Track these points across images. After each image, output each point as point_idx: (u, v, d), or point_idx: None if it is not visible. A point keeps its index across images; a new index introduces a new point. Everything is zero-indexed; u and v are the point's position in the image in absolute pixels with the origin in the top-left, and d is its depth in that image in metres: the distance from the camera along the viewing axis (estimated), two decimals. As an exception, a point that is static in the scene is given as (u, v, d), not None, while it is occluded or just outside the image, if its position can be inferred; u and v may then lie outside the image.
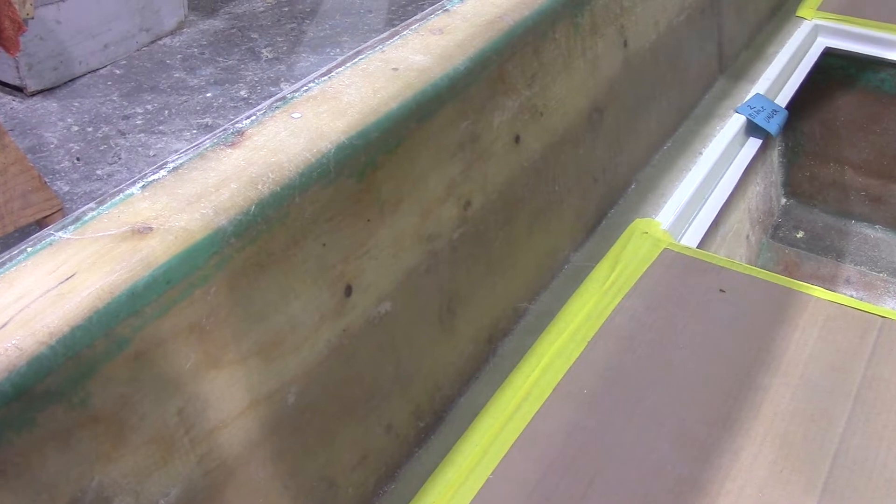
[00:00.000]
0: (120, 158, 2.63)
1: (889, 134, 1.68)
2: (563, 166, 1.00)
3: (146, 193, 0.60)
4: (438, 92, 0.78)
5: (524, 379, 0.87)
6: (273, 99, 0.72)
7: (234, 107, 2.90)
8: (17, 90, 2.93)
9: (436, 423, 0.83)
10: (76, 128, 2.78)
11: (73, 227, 0.57)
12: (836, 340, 0.92)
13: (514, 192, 0.91)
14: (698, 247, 1.12)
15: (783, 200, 1.83)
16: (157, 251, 0.55)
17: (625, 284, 0.98)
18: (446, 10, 0.88)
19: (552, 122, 0.97)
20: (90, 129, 2.78)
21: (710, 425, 0.82)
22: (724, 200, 1.20)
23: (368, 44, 0.81)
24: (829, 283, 1.70)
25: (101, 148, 2.69)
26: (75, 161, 2.63)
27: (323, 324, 0.68)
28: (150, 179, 0.61)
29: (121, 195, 0.60)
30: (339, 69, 0.77)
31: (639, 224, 1.08)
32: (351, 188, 0.70)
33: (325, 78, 0.75)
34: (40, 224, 1.81)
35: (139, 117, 2.84)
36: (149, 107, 2.89)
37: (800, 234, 1.79)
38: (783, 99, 1.45)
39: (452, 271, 0.83)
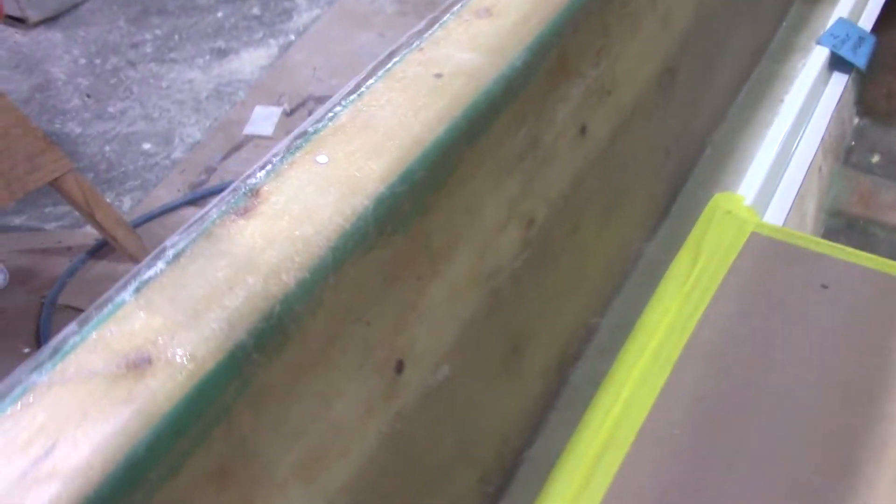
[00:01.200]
0: (132, 93, 2.48)
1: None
2: (633, 146, 0.85)
3: (140, 301, 0.47)
4: (492, 99, 0.63)
5: (602, 419, 0.75)
6: (293, 135, 0.57)
7: (248, 26, 2.72)
8: (19, 21, 2.76)
9: (505, 483, 0.71)
10: (84, 60, 2.63)
11: (51, 364, 0.44)
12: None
13: (581, 193, 0.77)
14: (787, 218, 0.98)
15: (856, 120, 1.66)
16: (159, 395, 0.43)
17: (710, 283, 0.85)
18: (492, -21, 0.72)
19: (621, 99, 0.81)
20: (98, 62, 2.62)
21: (828, 474, 0.70)
22: (810, 161, 1.05)
23: (403, 39, 0.66)
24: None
25: (112, 82, 2.54)
26: (86, 98, 2.48)
27: (372, 415, 0.56)
28: (144, 278, 0.48)
29: (110, 305, 0.47)
30: (371, 81, 0.62)
31: (719, 201, 0.94)
32: (396, 246, 0.56)
33: (354, 96, 0.60)
34: (52, 185, 1.69)
35: (148, 45, 2.67)
36: (158, 31, 2.72)
37: (875, 159, 1.62)
38: (867, 21, 1.26)
39: (516, 305, 0.70)
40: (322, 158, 0.55)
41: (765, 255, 0.88)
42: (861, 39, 1.19)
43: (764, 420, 0.74)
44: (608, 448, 0.73)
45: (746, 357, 0.79)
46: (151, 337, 0.45)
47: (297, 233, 0.51)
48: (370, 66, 0.63)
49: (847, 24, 1.20)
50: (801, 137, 1.07)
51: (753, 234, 0.90)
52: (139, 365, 0.44)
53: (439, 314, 0.61)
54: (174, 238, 0.50)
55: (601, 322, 0.83)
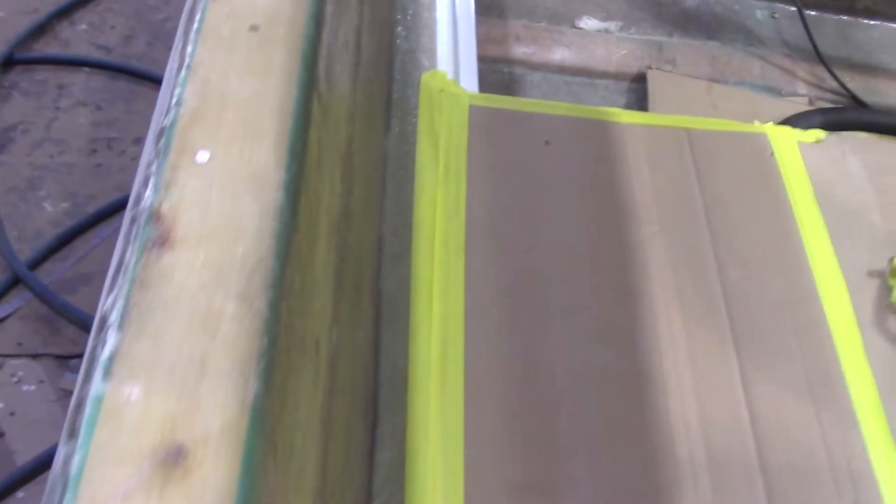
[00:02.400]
0: None
1: None
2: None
3: (122, 387, 0.39)
4: (312, 42, 0.59)
5: (428, 317, 0.78)
6: (152, 134, 0.49)
7: None
8: None
9: (376, 410, 0.73)
10: None
11: (70, 497, 0.36)
12: (664, 167, 0.94)
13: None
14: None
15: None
16: (216, 481, 0.38)
17: (459, 165, 0.90)
18: None
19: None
20: None
21: (618, 306, 0.82)
22: (472, 22, 1.12)
23: (191, -11, 0.57)
24: (502, 44, 1.72)
25: None
26: None
27: (316, 405, 0.54)
28: (105, 357, 0.40)
29: (89, 404, 0.38)
30: (189, 48, 0.54)
31: (429, 81, 0.98)
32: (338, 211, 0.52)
33: (185, 71, 0.53)
34: None
35: None
36: None
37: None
38: None
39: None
40: (202, 156, 0.49)
41: (491, 125, 0.95)
42: None
43: (553, 275, 0.83)
44: (447, 343, 0.77)
45: (516, 227, 0.87)
46: (167, 422, 0.39)
47: (239, 249, 0.45)
48: (179, 31, 0.55)
49: None
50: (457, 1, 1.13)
51: (472, 107, 0.96)
52: (174, 459, 0.38)
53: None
54: (106, 302, 0.42)
55: (384, 228, 0.85)
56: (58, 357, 1.47)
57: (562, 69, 1.72)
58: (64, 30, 1.99)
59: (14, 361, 1.45)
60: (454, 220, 0.86)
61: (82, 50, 1.94)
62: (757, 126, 1.02)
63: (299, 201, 0.50)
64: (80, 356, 1.49)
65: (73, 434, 0.38)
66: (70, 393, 1.43)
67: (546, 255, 0.85)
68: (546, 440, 0.72)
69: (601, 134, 0.96)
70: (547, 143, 0.94)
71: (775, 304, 0.85)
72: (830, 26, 1.86)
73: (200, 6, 0.56)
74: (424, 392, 0.73)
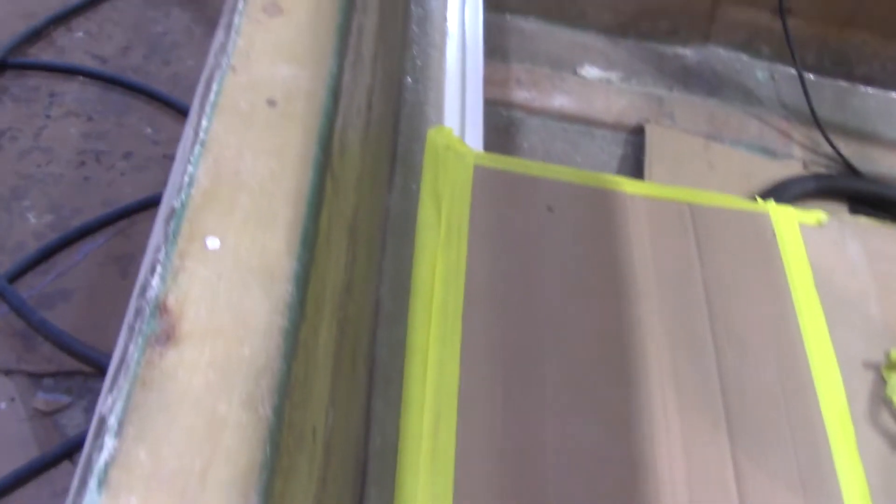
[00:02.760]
0: None
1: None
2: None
3: (118, 499, 0.37)
4: (330, 117, 0.58)
5: (421, 390, 0.77)
6: (162, 216, 0.47)
7: None
8: None
9: (364, 482, 0.71)
10: None
11: None
12: (666, 242, 0.94)
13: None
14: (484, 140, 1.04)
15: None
16: None
17: (461, 227, 0.89)
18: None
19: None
20: None
21: (615, 386, 0.81)
22: (481, 76, 1.11)
23: (210, 60, 0.56)
24: (503, 87, 1.72)
25: None
26: None
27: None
28: (101, 464, 0.38)
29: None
30: (204, 122, 0.52)
31: (435, 138, 0.96)
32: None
33: (198, 147, 0.51)
34: None
35: None
36: None
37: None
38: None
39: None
40: (212, 242, 0.47)
41: (495, 188, 0.94)
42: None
43: (551, 347, 0.82)
44: (440, 416, 0.75)
45: (517, 294, 0.86)
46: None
47: (245, 350, 0.43)
48: (195, 101, 0.53)
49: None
50: (466, 52, 1.12)
51: (477, 167, 0.95)
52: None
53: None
54: (106, 401, 0.40)
55: (381, 290, 0.83)
56: (31, 375, 1.44)
57: (561, 116, 1.72)
58: (60, 36, 1.96)
59: (-15, 377, 1.42)
60: (453, 285, 0.84)
61: (78, 58, 1.91)
62: (760, 204, 1.02)
63: (308, 291, 0.49)
64: (54, 375, 1.46)
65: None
66: (41, 413, 1.40)
67: (544, 326, 0.84)
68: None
69: (604, 203, 0.95)
70: (550, 209, 0.93)
71: (771, 392, 0.84)
72: (828, 91, 1.88)
73: (218, 76, 0.55)
74: (414, 467, 0.72)
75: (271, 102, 0.55)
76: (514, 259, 0.88)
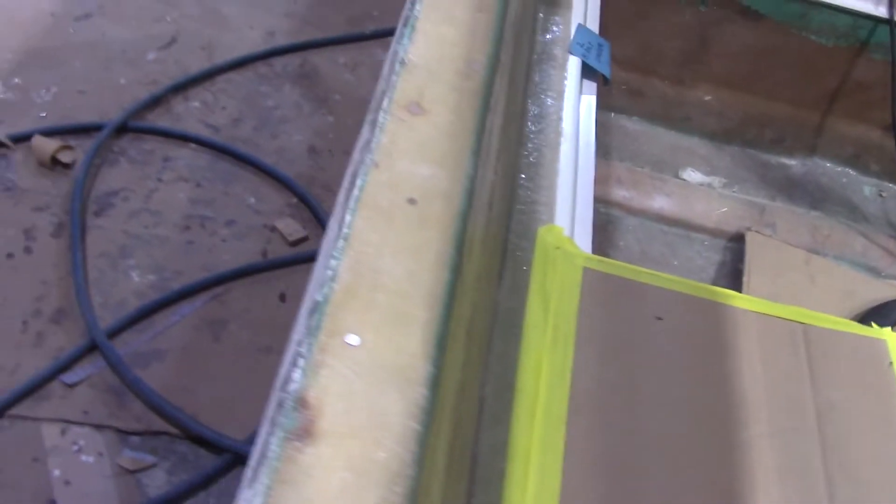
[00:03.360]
0: None
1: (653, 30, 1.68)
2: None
3: None
4: (465, 220, 0.58)
5: (522, 497, 0.75)
6: (306, 309, 0.48)
7: None
8: None
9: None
10: None
11: None
12: (777, 364, 0.91)
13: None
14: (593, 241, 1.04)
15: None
16: None
17: (567, 329, 0.88)
18: (402, 61, 0.65)
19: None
20: None
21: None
22: (592, 176, 1.12)
23: (356, 155, 0.57)
24: (603, 185, 1.72)
25: None
26: None
27: None
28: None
29: None
30: (348, 217, 0.53)
31: (545, 237, 0.96)
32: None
33: (342, 242, 0.52)
34: None
35: None
36: None
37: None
38: (593, 24, 1.36)
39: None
40: (353, 339, 0.47)
41: (602, 292, 0.93)
42: (600, 45, 1.27)
43: (654, 466, 0.80)
44: (539, 527, 0.74)
45: (621, 405, 0.84)
46: None
47: (381, 454, 0.43)
48: (340, 196, 0.55)
49: (586, 30, 1.28)
50: (578, 152, 1.13)
51: (586, 270, 0.94)
52: None
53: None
54: (246, 494, 0.40)
55: (486, 390, 0.83)
56: (120, 431, 1.46)
57: (660, 217, 1.71)
58: (178, 104, 2.05)
59: (77, 429, 1.45)
60: (558, 389, 0.83)
61: (192, 126, 1.99)
62: (876, 330, 0.98)
63: (438, 396, 0.49)
64: (142, 434, 1.48)
65: None
66: (126, 470, 1.42)
67: (648, 441, 0.82)
68: None
69: (714, 317, 0.93)
70: (659, 318, 0.92)
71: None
72: (940, 213, 1.83)
73: (362, 172, 0.56)
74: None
75: (411, 201, 0.56)
76: (621, 367, 0.87)
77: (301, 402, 0.44)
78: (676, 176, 1.77)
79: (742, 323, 0.94)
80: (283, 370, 0.45)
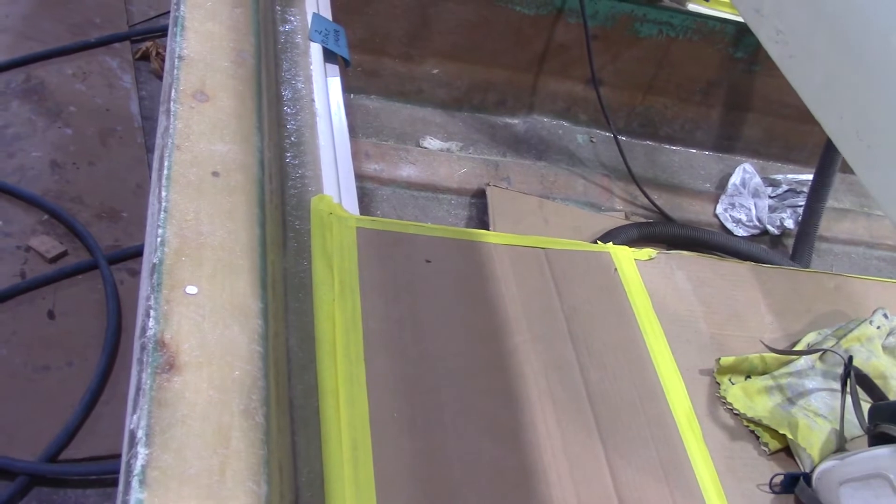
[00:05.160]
0: None
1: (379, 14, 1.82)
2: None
3: (156, 496, 0.46)
4: (262, 187, 0.68)
5: (337, 426, 0.86)
6: (146, 269, 0.56)
7: None
8: None
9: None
10: None
11: None
12: (529, 283, 1.08)
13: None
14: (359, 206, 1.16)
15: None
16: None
17: (353, 283, 1.00)
18: (180, 56, 0.74)
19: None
20: None
21: (503, 407, 0.93)
22: (348, 148, 1.23)
23: (158, 139, 0.65)
24: (353, 160, 1.84)
25: None
26: None
27: None
28: (138, 468, 0.46)
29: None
30: (163, 192, 0.62)
31: (318, 205, 1.07)
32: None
33: (163, 214, 0.60)
34: None
35: None
36: None
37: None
38: (326, 13, 1.47)
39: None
40: (191, 289, 0.56)
41: (377, 245, 1.05)
42: (336, 32, 1.39)
43: (446, 381, 0.94)
44: (357, 445, 0.85)
45: (409, 336, 0.97)
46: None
47: (236, 373, 0.53)
48: (153, 175, 0.62)
49: (321, 18, 1.39)
50: (334, 130, 1.24)
51: (359, 229, 1.06)
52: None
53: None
54: (132, 420, 0.48)
55: (290, 341, 0.92)
56: None
57: (409, 185, 1.87)
58: None
59: None
60: (353, 333, 0.94)
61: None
62: (601, 245, 1.18)
63: (269, 325, 0.59)
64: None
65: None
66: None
67: (436, 361, 0.95)
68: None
69: (473, 253, 1.09)
70: (428, 261, 1.06)
71: (630, 400, 0.99)
72: (640, 151, 2.13)
73: (167, 154, 0.64)
74: (340, 494, 0.81)
75: (215, 174, 0.65)
76: (402, 305, 1.00)
77: (160, 344, 0.52)
78: (418, 145, 1.93)
79: (496, 255, 1.10)
80: (138, 322, 0.53)
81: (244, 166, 0.66)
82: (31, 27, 2.29)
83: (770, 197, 2.09)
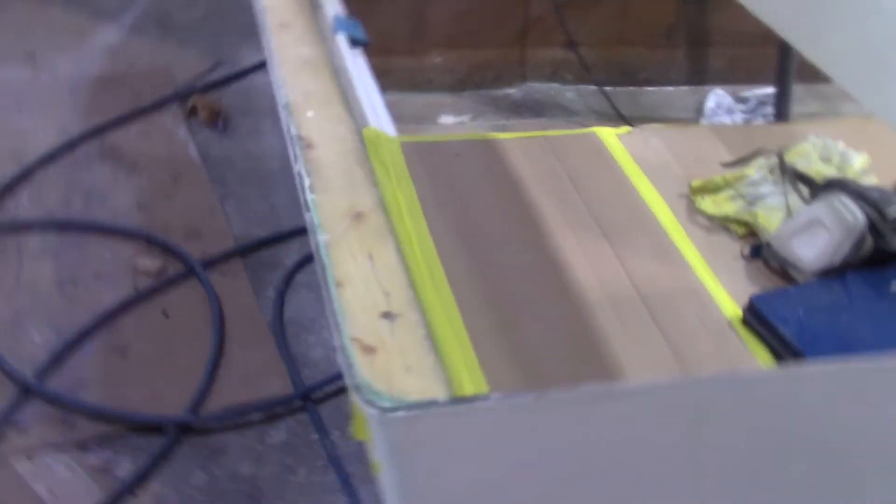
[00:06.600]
0: None
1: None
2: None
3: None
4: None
5: (412, 256, 1.19)
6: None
7: None
8: None
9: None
10: None
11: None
12: (535, 166, 1.42)
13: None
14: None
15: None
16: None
17: (405, 177, 1.34)
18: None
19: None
20: None
21: (533, 239, 1.27)
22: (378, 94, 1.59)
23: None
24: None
25: None
26: None
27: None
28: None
29: None
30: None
31: (369, 134, 1.42)
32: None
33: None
34: None
35: None
36: None
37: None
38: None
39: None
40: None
41: (421, 154, 1.40)
42: (354, 22, 1.76)
43: (485, 227, 1.27)
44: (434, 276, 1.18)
45: (454, 204, 1.31)
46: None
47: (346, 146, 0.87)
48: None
49: (342, 18, 1.76)
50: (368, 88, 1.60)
51: (404, 144, 1.41)
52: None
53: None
54: (296, 165, 0.83)
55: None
56: (77, 442, 1.74)
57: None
58: (9, 201, 2.32)
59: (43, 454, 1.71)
60: (413, 204, 1.29)
61: (32, 214, 2.27)
62: (587, 129, 1.53)
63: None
64: (95, 439, 1.76)
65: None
66: (97, 469, 1.70)
67: (477, 218, 1.29)
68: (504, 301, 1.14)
69: (490, 148, 1.43)
70: (457, 155, 1.41)
71: (626, 219, 1.32)
72: (623, 96, 2.48)
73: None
74: (428, 295, 1.14)
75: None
76: (445, 186, 1.34)
77: (300, 137, 0.87)
78: (436, 123, 2.29)
79: (509, 146, 1.44)
80: (287, 130, 0.88)
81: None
82: (97, 103, 2.70)
83: (742, 112, 2.42)
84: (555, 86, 2.44)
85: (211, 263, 2.18)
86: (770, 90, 2.44)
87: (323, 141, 0.87)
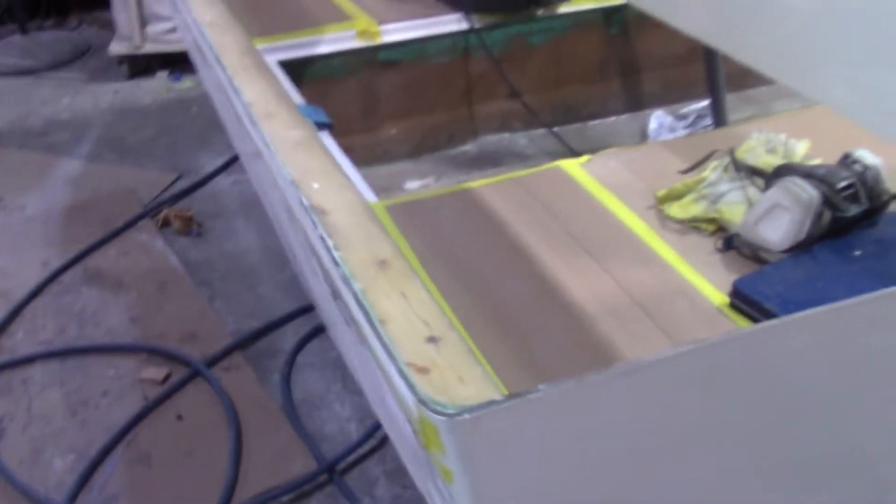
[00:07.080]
0: None
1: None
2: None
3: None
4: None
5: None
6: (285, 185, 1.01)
7: None
8: None
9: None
10: None
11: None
12: (519, 206, 1.53)
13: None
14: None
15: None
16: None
17: (402, 244, 1.44)
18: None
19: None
20: None
21: (521, 273, 1.37)
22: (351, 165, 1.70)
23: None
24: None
25: None
26: None
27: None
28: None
29: None
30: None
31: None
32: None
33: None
34: None
35: None
36: None
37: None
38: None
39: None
40: (315, 185, 1.01)
41: (407, 213, 1.50)
42: (315, 108, 1.88)
43: (478, 266, 1.37)
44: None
45: (458, 263, 1.41)
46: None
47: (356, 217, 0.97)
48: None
49: (304, 106, 1.88)
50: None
51: (390, 207, 1.51)
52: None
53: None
54: (316, 232, 0.92)
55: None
56: None
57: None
58: (5, 339, 2.37)
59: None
60: (409, 257, 1.38)
61: (29, 348, 2.32)
62: (551, 164, 1.64)
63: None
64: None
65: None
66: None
67: (469, 259, 1.39)
68: (512, 325, 1.24)
69: (467, 196, 1.54)
70: (438, 207, 1.51)
71: (600, 239, 1.43)
72: (572, 133, 2.62)
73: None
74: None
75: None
76: (435, 238, 1.44)
77: (313, 207, 0.96)
78: (402, 189, 2.40)
79: (483, 192, 1.55)
80: (294, 201, 0.98)
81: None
82: (71, 232, 2.77)
83: (684, 128, 2.57)
84: (506, 135, 2.57)
85: (213, 362, 2.24)
86: (705, 102, 2.60)
87: (334, 207, 0.97)
